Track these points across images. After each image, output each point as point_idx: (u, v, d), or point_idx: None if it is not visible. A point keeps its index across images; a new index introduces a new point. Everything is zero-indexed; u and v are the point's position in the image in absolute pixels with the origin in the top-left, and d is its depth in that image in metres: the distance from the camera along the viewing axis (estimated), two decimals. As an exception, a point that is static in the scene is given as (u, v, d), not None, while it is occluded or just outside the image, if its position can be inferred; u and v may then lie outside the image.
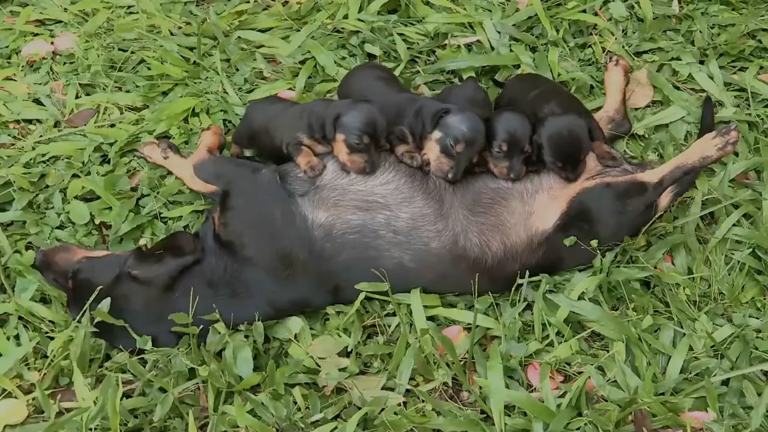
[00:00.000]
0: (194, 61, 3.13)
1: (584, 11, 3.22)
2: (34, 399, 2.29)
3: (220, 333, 2.35)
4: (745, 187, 2.72)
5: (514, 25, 3.17)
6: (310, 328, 2.47)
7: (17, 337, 2.44)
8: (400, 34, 3.16)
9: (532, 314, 2.45)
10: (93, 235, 2.68)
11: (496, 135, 2.46)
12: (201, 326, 2.31)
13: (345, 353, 2.40)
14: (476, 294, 2.40)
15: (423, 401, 2.30)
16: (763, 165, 2.77)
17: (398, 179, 2.48)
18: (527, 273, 2.44)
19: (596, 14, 3.25)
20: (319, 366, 2.36)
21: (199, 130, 2.89)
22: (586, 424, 2.21)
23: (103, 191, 2.72)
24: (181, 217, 2.71)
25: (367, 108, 2.47)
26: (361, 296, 2.42)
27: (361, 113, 2.45)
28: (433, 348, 2.35)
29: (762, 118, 2.92)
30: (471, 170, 2.51)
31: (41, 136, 2.92)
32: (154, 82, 3.07)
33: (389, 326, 2.46)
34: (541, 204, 2.49)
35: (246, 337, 2.39)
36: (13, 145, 2.91)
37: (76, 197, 2.74)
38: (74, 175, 2.79)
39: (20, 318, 2.46)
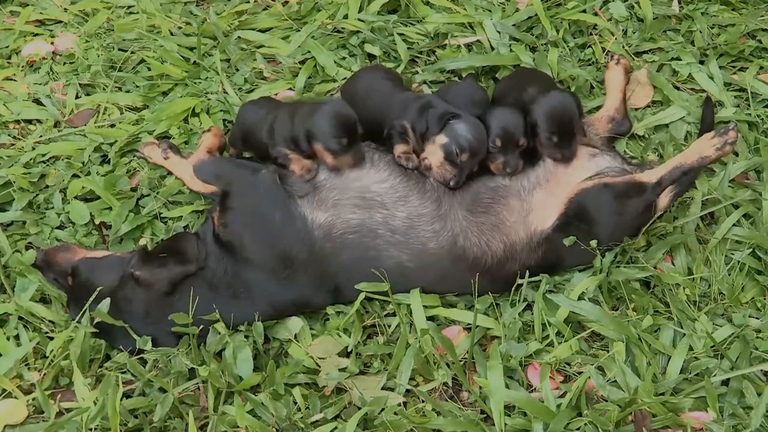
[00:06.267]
0: (194, 61, 3.13)
1: (584, 11, 3.22)
2: (34, 399, 2.29)
3: (220, 333, 2.35)
4: (745, 187, 2.72)
5: (514, 25, 3.17)
6: (310, 328, 2.47)
7: (17, 337, 2.44)
8: (400, 34, 3.16)
9: (532, 314, 2.45)
10: (93, 235, 2.68)
11: (490, 131, 2.48)
12: (201, 326, 2.32)
13: (345, 353, 2.40)
14: (476, 294, 2.40)
15: (423, 401, 2.30)
16: (763, 165, 2.77)
17: (393, 178, 2.48)
18: (527, 273, 2.45)
19: (596, 14, 3.24)
20: (319, 366, 2.36)
21: (199, 131, 2.89)
22: (586, 424, 2.21)
23: (103, 191, 2.72)
24: (181, 217, 2.71)
25: (330, 111, 2.45)
26: (361, 296, 2.42)
27: (328, 119, 2.43)
28: (433, 348, 2.35)
29: (762, 118, 2.92)
30: (471, 176, 2.51)
31: (41, 136, 2.92)
32: (154, 82, 3.07)
33: (389, 326, 2.46)
34: (539, 200, 2.49)
35: (246, 337, 2.39)
36: (13, 145, 2.91)
37: (76, 197, 2.74)
38: (74, 175, 2.79)
39: (20, 318, 2.46)
